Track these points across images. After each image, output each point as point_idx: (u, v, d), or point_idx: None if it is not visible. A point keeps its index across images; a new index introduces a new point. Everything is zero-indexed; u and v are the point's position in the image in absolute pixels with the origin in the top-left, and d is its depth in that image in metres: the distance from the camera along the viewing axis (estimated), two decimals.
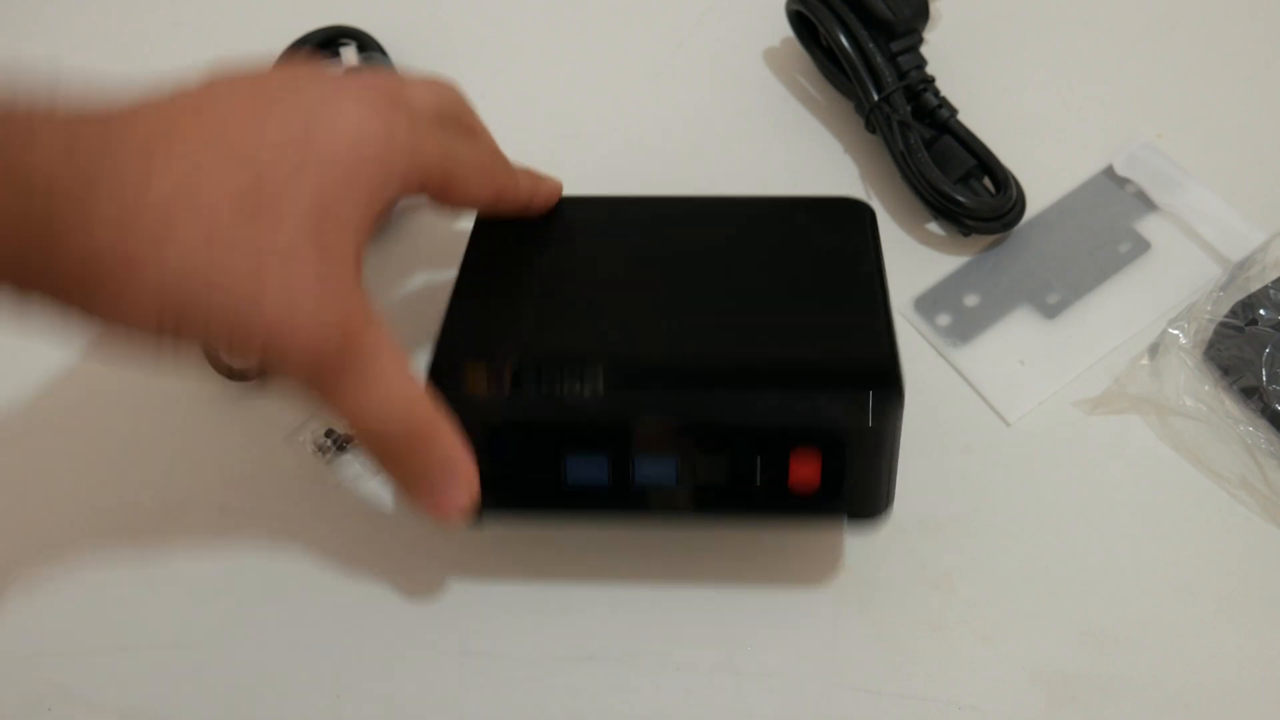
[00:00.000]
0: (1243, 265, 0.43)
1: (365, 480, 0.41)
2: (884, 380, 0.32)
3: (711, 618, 0.38)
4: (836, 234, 0.38)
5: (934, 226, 0.46)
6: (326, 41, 0.51)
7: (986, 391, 0.42)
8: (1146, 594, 0.38)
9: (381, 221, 0.34)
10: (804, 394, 0.32)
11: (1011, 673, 0.37)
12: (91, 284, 0.28)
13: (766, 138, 0.49)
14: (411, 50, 0.52)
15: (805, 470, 0.32)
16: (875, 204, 0.46)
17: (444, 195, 0.36)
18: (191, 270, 0.28)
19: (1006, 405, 0.41)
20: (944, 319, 0.44)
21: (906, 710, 0.36)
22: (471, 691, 0.37)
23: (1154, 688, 0.36)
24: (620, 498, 0.34)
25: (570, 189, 0.47)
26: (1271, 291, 0.41)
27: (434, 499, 0.33)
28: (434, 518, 0.34)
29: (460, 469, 0.33)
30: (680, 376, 0.33)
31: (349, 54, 0.50)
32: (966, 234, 0.45)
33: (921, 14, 0.46)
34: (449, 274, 0.38)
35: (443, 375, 0.33)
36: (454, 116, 0.37)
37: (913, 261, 0.45)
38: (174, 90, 0.30)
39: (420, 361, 0.34)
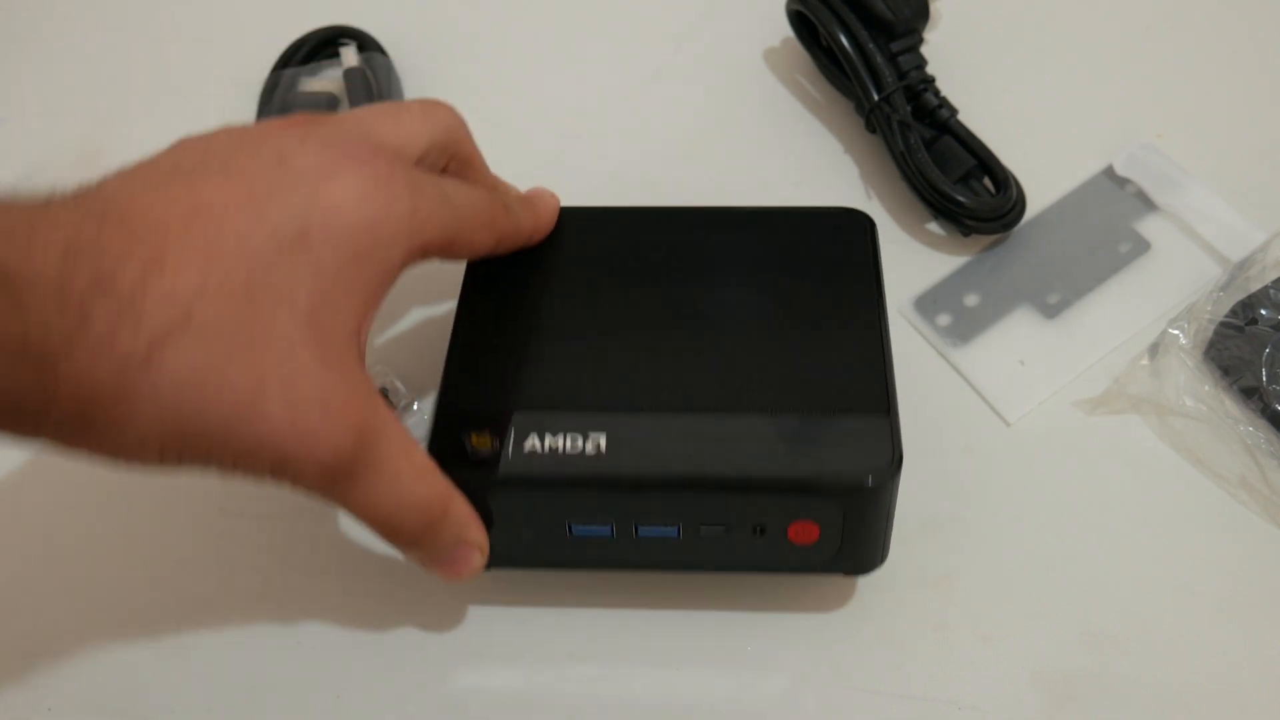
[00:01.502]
0: (1243, 265, 0.43)
1: None
2: (883, 457, 0.32)
3: (712, 618, 0.38)
4: (837, 256, 0.38)
5: (934, 226, 0.46)
6: (326, 41, 0.51)
7: (986, 391, 0.42)
8: (1146, 594, 0.38)
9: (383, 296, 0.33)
10: (805, 467, 0.32)
11: (1011, 673, 0.37)
12: (90, 420, 0.27)
13: (767, 138, 0.49)
14: (411, 50, 0.52)
15: (804, 532, 0.34)
16: (875, 204, 0.46)
17: (446, 255, 0.34)
18: (190, 398, 0.27)
19: (1006, 405, 0.41)
20: (944, 319, 0.44)
21: (906, 710, 0.36)
22: (471, 692, 0.37)
23: (1154, 688, 0.36)
24: (624, 551, 0.35)
25: (570, 189, 0.47)
26: (1271, 291, 0.41)
27: (448, 567, 0.33)
28: (447, 580, 0.34)
29: (473, 538, 0.33)
30: (681, 444, 0.33)
31: (349, 54, 0.50)
32: (966, 234, 0.45)
33: (921, 14, 0.46)
34: (446, 285, 0.38)
35: (446, 441, 0.34)
36: (451, 148, 0.35)
37: (913, 261, 0.45)
38: (160, 173, 0.29)
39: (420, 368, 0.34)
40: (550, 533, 0.34)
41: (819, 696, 0.37)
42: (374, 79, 0.49)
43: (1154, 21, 0.50)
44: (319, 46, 0.51)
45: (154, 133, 0.51)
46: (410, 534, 0.32)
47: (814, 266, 0.38)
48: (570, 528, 0.34)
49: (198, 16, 0.54)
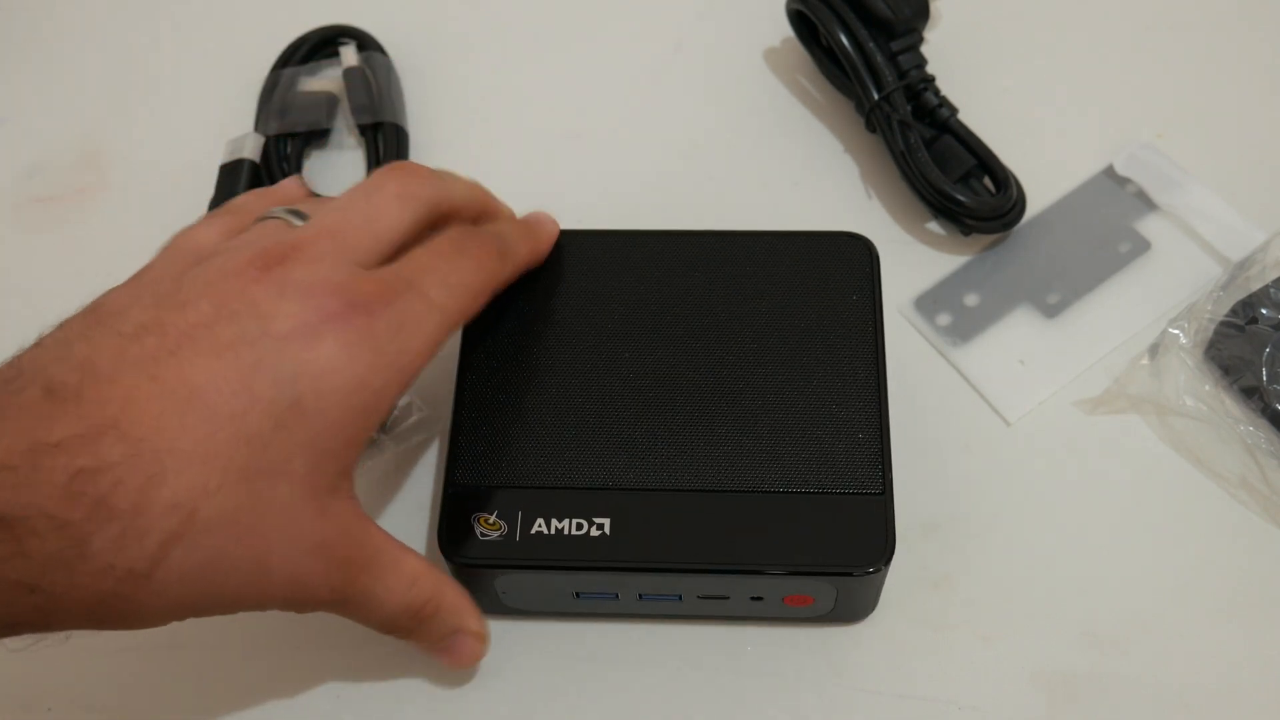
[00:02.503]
0: (1243, 265, 0.43)
1: (365, 480, 0.41)
2: (875, 546, 0.34)
3: (711, 620, 0.38)
4: (838, 296, 0.38)
5: (934, 226, 0.46)
6: (326, 41, 0.51)
7: (986, 391, 0.42)
8: (1146, 594, 0.38)
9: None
10: (800, 558, 0.34)
11: (1011, 673, 0.37)
12: (97, 620, 0.28)
13: (767, 137, 0.49)
14: (411, 50, 0.52)
15: (800, 600, 0.36)
16: (875, 204, 0.46)
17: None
18: (197, 586, 0.28)
19: (1006, 405, 0.41)
20: (944, 319, 0.44)
21: (906, 710, 0.36)
22: (473, 691, 0.37)
23: (1154, 688, 0.36)
24: (629, 608, 0.37)
25: (570, 190, 0.47)
26: (1271, 291, 0.41)
27: (448, 655, 0.35)
28: (451, 667, 0.37)
29: (469, 627, 0.35)
30: (681, 527, 0.34)
31: (349, 53, 0.50)
32: (967, 234, 0.45)
33: (921, 14, 0.46)
34: None
35: (455, 524, 0.35)
36: (431, 215, 0.34)
37: (913, 261, 0.45)
38: (150, 349, 0.28)
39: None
40: (558, 596, 0.37)
41: (819, 696, 0.37)
42: (374, 79, 0.49)
43: (1154, 21, 0.50)
44: (319, 46, 0.51)
45: (154, 133, 0.51)
46: (404, 631, 0.34)
47: (813, 310, 0.38)
48: (577, 594, 0.36)
49: (198, 16, 0.54)
